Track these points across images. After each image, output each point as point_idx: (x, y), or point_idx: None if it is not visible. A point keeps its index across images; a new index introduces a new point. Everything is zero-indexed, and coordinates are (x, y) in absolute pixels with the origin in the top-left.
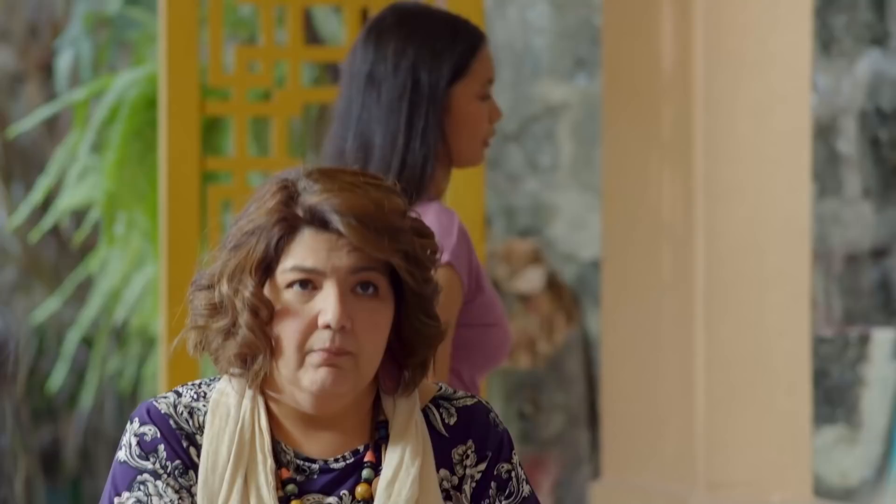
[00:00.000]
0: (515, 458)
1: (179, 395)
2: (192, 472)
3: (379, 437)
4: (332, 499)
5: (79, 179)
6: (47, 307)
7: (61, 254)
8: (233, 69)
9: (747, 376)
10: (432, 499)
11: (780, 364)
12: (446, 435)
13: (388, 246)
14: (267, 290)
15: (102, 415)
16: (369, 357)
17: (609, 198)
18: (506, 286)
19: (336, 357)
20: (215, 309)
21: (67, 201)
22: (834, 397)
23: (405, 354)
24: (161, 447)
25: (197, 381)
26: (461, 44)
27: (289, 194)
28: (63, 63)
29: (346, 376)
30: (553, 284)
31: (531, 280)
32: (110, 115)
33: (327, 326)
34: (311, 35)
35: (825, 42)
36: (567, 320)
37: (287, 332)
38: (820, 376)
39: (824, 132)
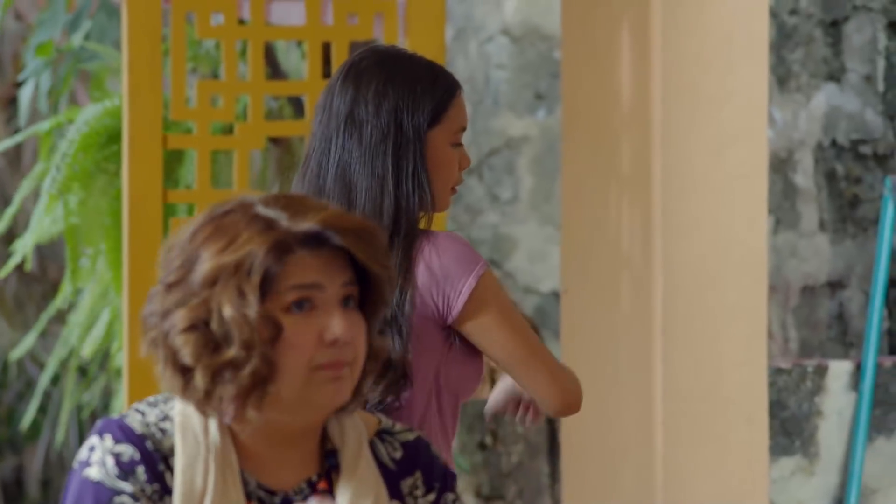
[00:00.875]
0: (457, 489)
1: (143, 413)
2: (167, 498)
3: (329, 465)
4: None
5: (42, 213)
6: (23, 345)
7: (24, 287)
8: (195, 103)
9: (705, 407)
10: None
11: (738, 395)
12: (394, 469)
13: (384, 260)
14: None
15: (67, 446)
16: (359, 367)
17: (568, 230)
18: None
19: (343, 369)
20: (215, 343)
21: (31, 235)
22: (791, 428)
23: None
24: (140, 469)
25: (152, 400)
26: (440, 89)
27: (266, 222)
28: (25, 95)
29: (349, 387)
30: None
31: None
32: (74, 149)
33: (335, 341)
34: (273, 69)
35: (782, 77)
36: None
37: (293, 352)
38: (777, 407)
39: (781, 166)
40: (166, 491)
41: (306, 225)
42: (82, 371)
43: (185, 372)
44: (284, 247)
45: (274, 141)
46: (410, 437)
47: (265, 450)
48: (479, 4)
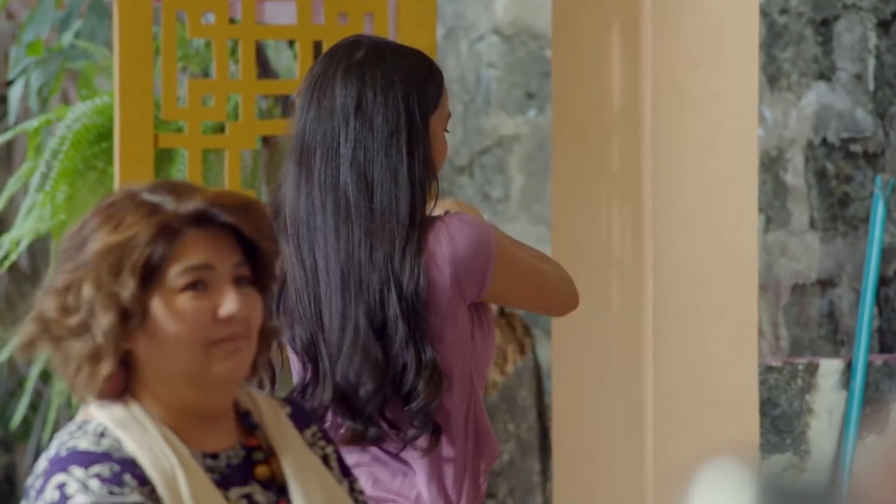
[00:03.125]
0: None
1: (83, 438)
2: (156, 495)
3: (249, 424)
4: (248, 488)
5: (30, 211)
6: (9, 347)
7: (15, 286)
8: (186, 102)
9: (696, 406)
10: (332, 479)
11: (729, 394)
12: (291, 423)
13: (270, 234)
14: (155, 302)
15: None
16: (254, 340)
17: (559, 230)
18: None
19: (239, 342)
20: (65, 309)
21: (18, 232)
22: (782, 426)
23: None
24: (127, 477)
25: (72, 429)
26: (437, 75)
27: (151, 207)
28: (14, 94)
29: (247, 359)
30: (504, 315)
31: None
32: (63, 146)
33: (230, 318)
34: (264, 68)
35: (772, 76)
36: (518, 350)
37: (187, 331)
38: (767, 406)
39: (772, 164)
40: (155, 491)
41: (192, 204)
42: None
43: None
44: (172, 230)
45: (265, 140)
46: (280, 397)
47: (191, 426)
48: (470, 3)
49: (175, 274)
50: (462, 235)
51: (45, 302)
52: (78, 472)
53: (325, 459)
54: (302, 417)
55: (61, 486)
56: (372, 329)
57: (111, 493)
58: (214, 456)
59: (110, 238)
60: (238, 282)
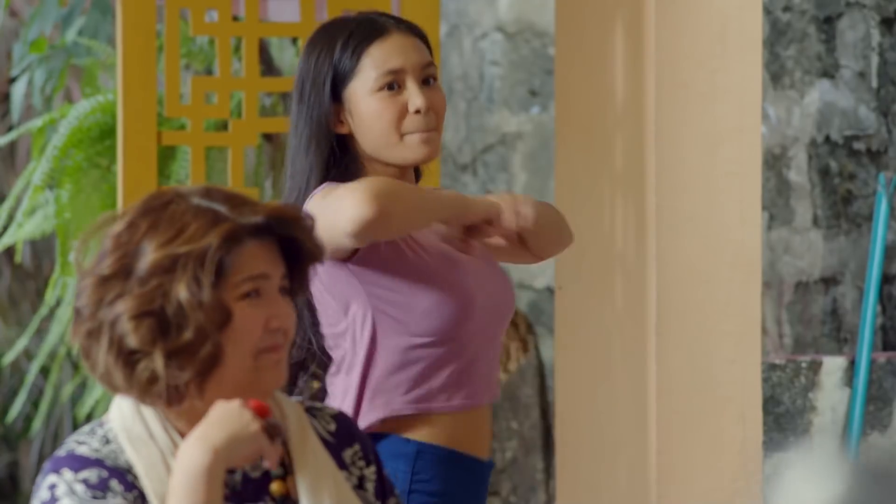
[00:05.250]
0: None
1: (85, 443)
2: (145, 501)
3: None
4: None
5: (34, 209)
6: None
7: (18, 284)
8: (189, 99)
9: (699, 403)
10: (352, 496)
11: (732, 391)
12: (332, 441)
13: (322, 248)
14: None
15: (58, 441)
16: (288, 350)
17: None
18: None
19: (282, 351)
20: (168, 328)
21: (23, 231)
22: (785, 424)
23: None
24: (114, 483)
25: (86, 430)
26: (349, 47)
27: (214, 215)
28: (17, 92)
29: (286, 368)
30: None
31: None
32: (66, 144)
33: (279, 328)
34: (267, 66)
35: (775, 73)
36: (521, 348)
37: (243, 338)
38: (771, 403)
39: (775, 162)
40: (144, 498)
41: (256, 217)
42: (75, 366)
43: (130, 359)
44: (236, 238)
45: (267, 137)
46: (334, 411)
47: None
48: (473, 1)
49: (236, 283)
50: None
51: (114, 307)
52: (68, 475)
53: (361, 480)
54: (346, 436)
55: (52, 487)
56: None
57: (94, 497)
58: (231, 470)
59: (177, 248)
60: (282, 292)
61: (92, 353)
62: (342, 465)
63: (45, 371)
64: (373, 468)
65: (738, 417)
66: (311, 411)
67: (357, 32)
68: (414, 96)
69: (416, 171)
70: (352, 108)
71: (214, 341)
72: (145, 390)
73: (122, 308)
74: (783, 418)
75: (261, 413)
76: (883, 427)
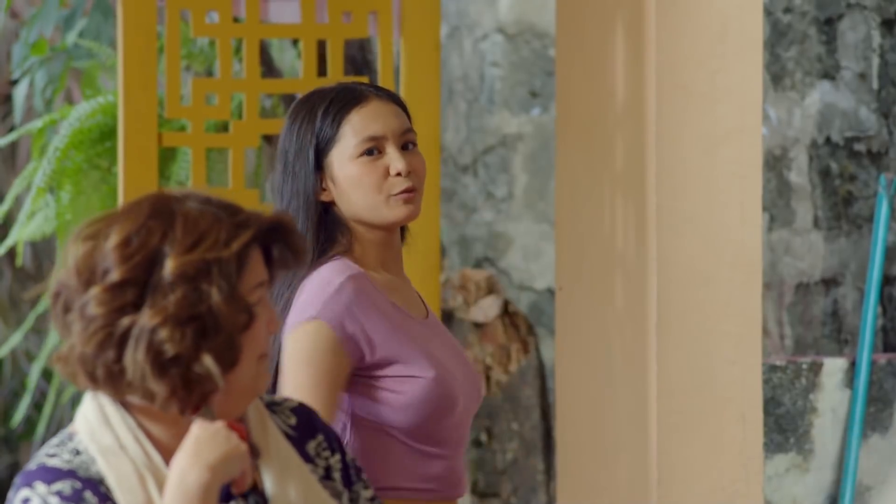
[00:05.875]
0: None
1: (56, 455)
2: None
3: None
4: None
5: (35, 210)
6: (10, 342)
7: (19, 285)
8: (190, 101)
9: (699, 404)
10: (318, 488)
11: (732, 392)
12: (294, 435)
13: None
14: None
15: None
16: None
17: (563, 228)
18: (461, 315)
19: (268, 360)
20: (205, 331)
21: (23, 231)
22: (785, 425)
23: None
24: (88, 494)
25: (54, 442)
26: (328, 116)
27: (230, 224)
28: (19, 93)
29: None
30: (508, 313)
31: (486, 309)
32: (67, 146)
33: (273, 333)
34: (268, 67)
35: (776, 75)
36: (522, 349)
37: (254, 343)
38: (771, 405)
39: (776, 163)
40: None
41: (263, 224)
42: None
43: (171, 364)
44: (250, 246)
45: (268, 139)
46: (294, 403)
47: (181, 439)
48: (474, 2)
49: (250, 288)
50: (303, 288)
51: (141, 315)
52: (41, 488)
53: (328, 471)
54: (308, 428)
55: (26, 501)
56: None
57: None
58: None
59: (208, 252)
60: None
61: (98, 361)
62: (307, 458)
63: (45, 373)
64: (337, 456)
65: (739, 418)
66: (270, 407)
67: (337, 100)
68: (395, 160)
69: (402, 231)
70: (333, 175)
71: (239, 344)
72: (187, 395)
73: (159, 314)
74: (784, 419)
75: (241, 436)
76: (884, 429)
